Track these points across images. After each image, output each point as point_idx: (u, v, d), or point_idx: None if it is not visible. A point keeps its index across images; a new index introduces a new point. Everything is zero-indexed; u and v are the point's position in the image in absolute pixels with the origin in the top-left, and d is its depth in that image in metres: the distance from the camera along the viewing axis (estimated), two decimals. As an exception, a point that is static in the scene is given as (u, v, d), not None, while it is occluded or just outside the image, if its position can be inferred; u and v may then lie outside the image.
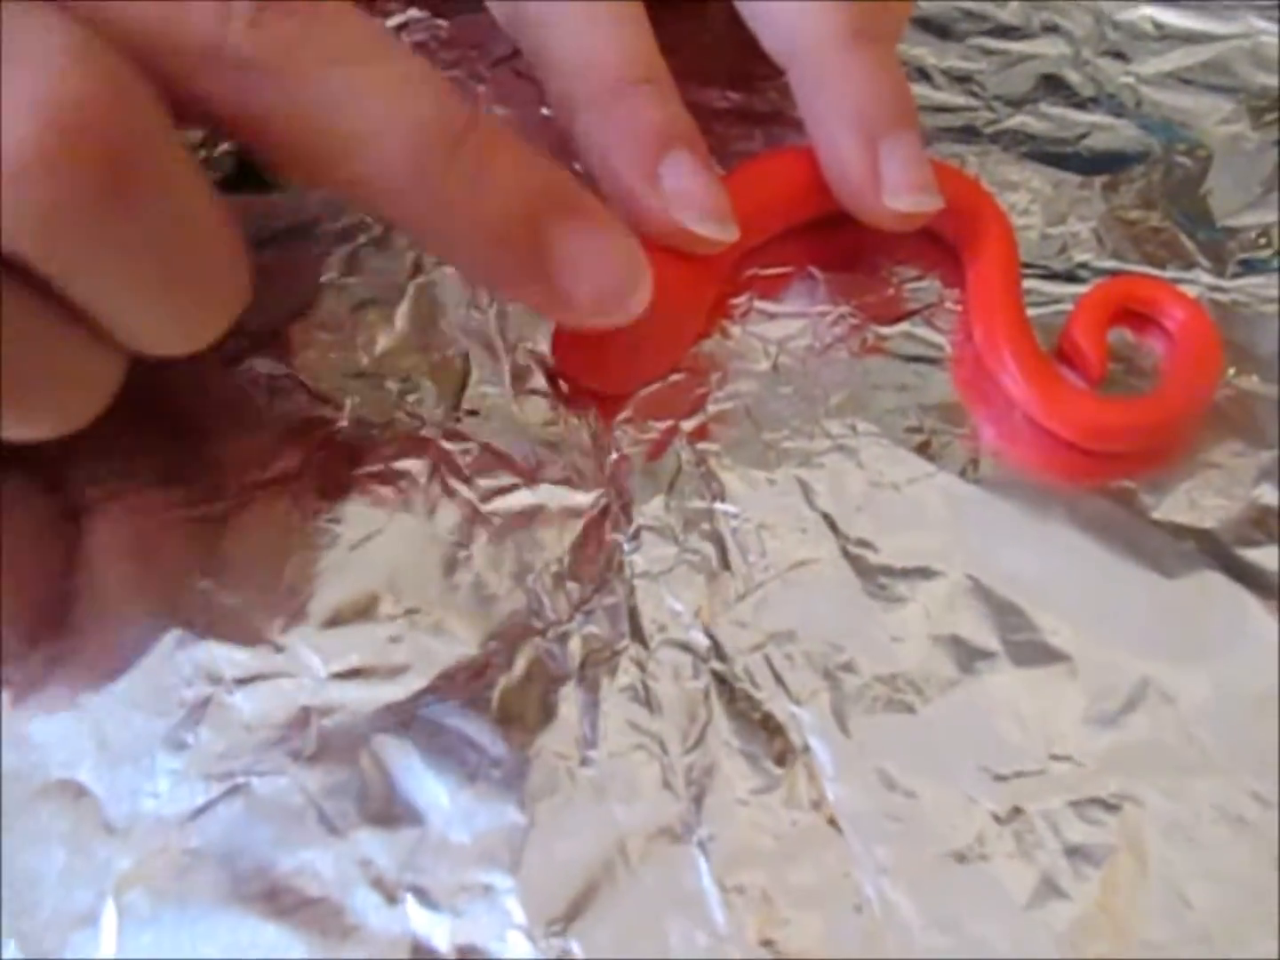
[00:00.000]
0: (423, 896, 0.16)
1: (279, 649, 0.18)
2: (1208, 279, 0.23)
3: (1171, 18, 0.29)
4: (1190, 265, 0.24)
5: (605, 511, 0.20)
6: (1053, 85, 0.27)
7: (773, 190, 0.23)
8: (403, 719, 0.18)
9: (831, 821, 0.17)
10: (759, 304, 0.23)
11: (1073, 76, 0.27)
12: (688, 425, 0.21)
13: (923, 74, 0.27)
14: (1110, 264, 0.24)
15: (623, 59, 0.21)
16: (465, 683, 0.18)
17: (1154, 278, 0.23)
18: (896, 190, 0.21)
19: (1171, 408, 0.21)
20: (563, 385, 0.21)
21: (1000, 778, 0.18)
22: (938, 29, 0.28)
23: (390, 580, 0.19)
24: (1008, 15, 0.28)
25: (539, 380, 0.22)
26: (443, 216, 0.18)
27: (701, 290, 0.22)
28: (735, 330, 0.23)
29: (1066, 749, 0.18)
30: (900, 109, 0.22)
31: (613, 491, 0.20)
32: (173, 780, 0.17)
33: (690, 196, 0.20)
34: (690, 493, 0.20)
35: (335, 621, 0.19)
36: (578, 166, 0.22)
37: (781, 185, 0.23)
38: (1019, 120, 0.26)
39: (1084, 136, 0.26)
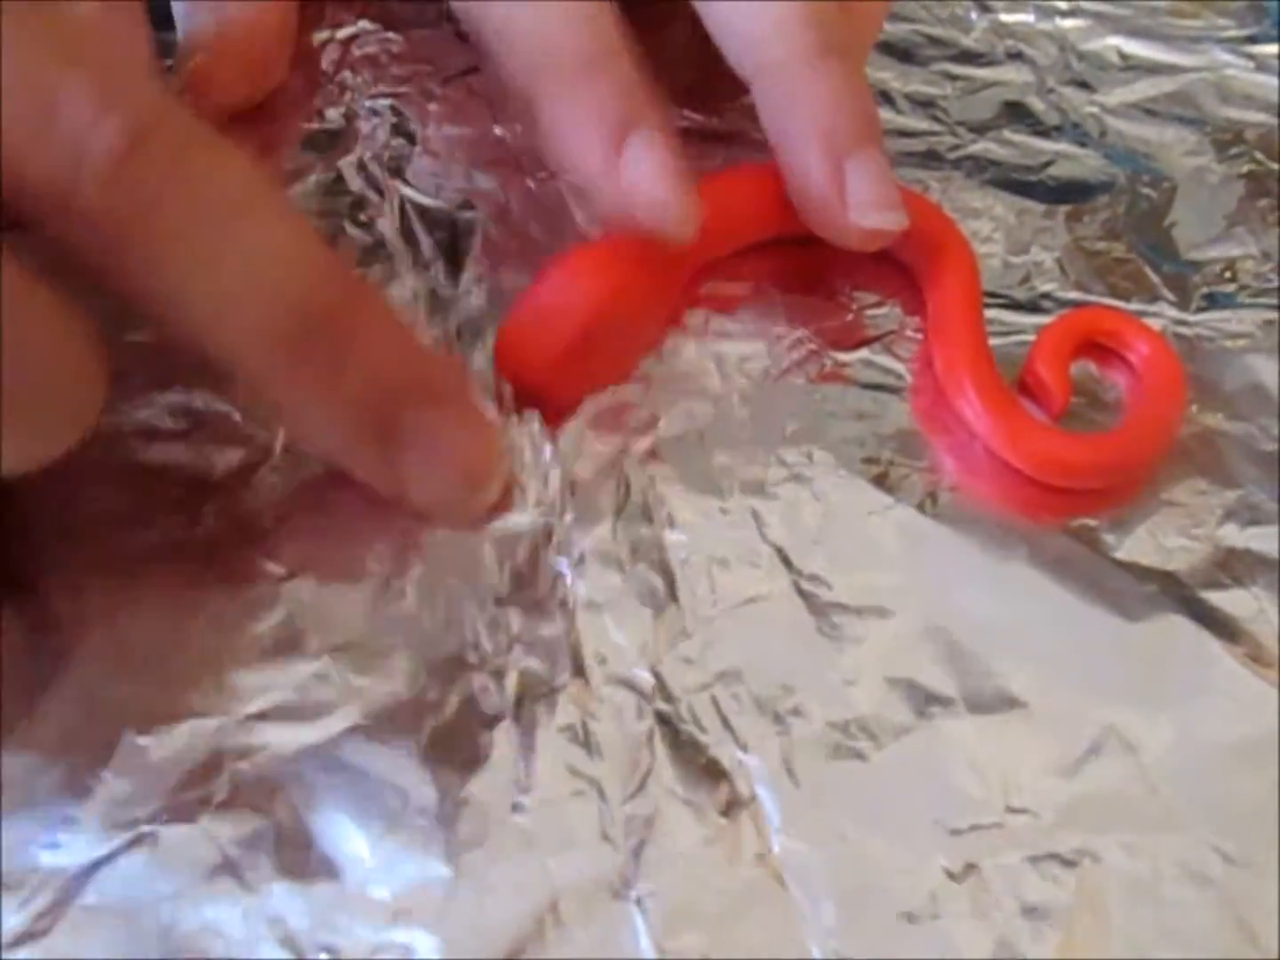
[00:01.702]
0: (336, 956, 0.15)
1: (194, 687, 0.17)
2: (1172, 313, 0.23)
3: (1137, 49, 0.28)
4: (1154, 298, 0.23)
5: (548, 537, 0.19)
6: (1017, 113, 0.27)
7: (733, 205, 0.22)
8: (324, 763, 0.17)
9: (777, 877, 0.16)
10: (715, 321, 0.22)
11: (1037, 104, 0.27)
12: (637, 447, 0.20)
13: (886, 98, 0.26)
14: (1074, 295, 0.23)
15: (586, 34, 0.20)
16: (392, 723, 0.17)
17: (1118, 310, 0.23)
18: (863, 208, 0.21)
19: (1135, 444, 0.20)
20: (506, 400, 0.20)
21: (955, 831, 0.17)
22: (901, 53, 0.27)
23: (316, 613, 0.18)
24: (972, 41, 0.28)
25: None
26: (295, 397, 0.17)
27: (658, 299, 0.22)
28: (690, 347, 0.22)
29: (1024, 801, 0.17)
30: (866, 126, 0.21)
31: (555, 515, 0.19)
32: (72, 830, 0.16)
33: (649, 185, 0.20)
34: (639, 519, 0.19)
35: (256, 658, 0.18)
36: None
37: (742, 201, 0.23)
38: (982, 146, 0.26)
39: (1048, 165, 0.26)
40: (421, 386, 0.18)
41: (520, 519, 0.19)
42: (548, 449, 0.20)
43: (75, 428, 0.16)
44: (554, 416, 0.20)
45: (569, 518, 0.19)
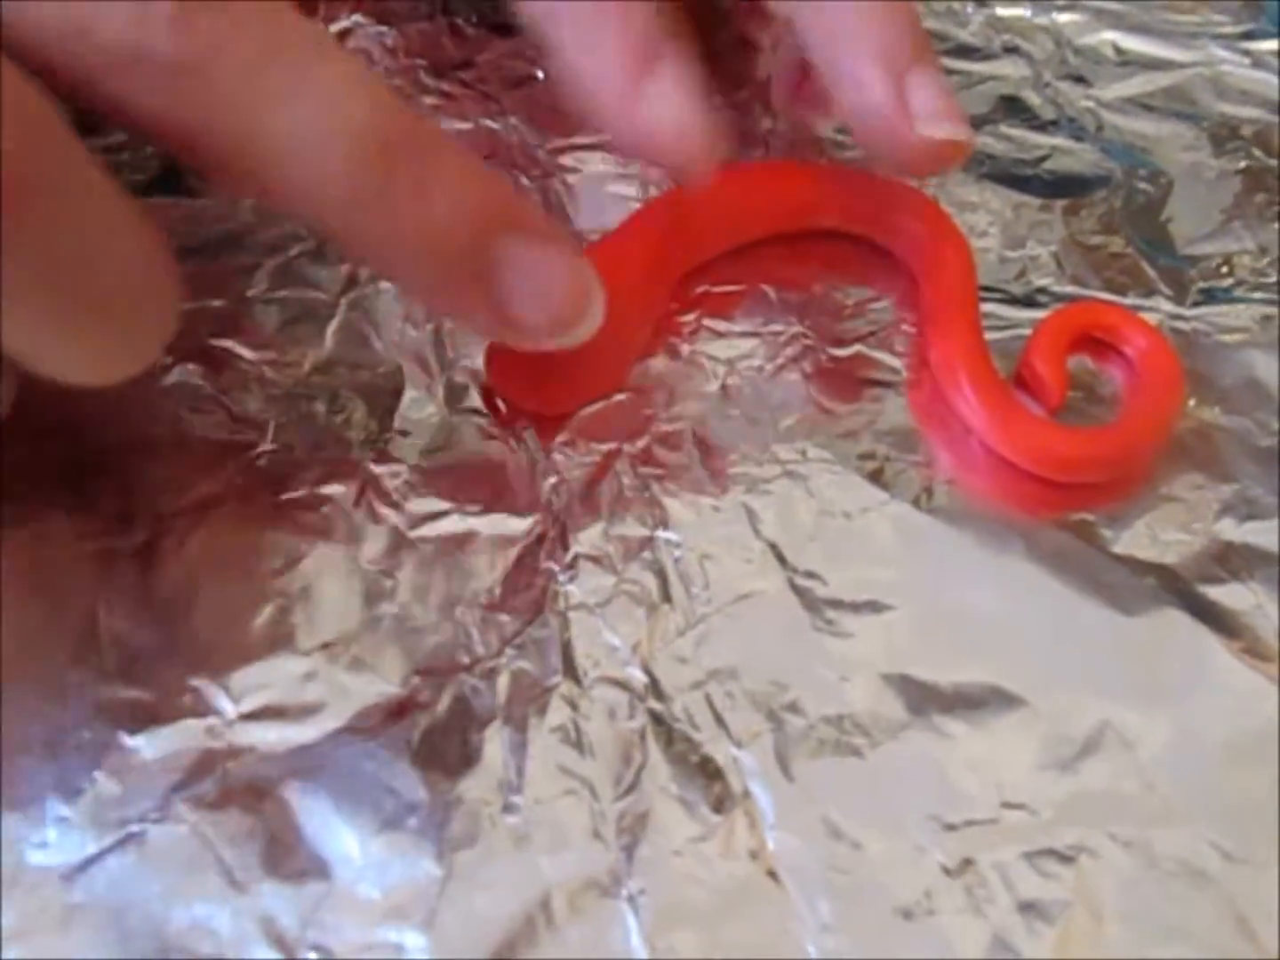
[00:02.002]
0: (327, 956, 0.15)
1: (186, 687, 0.17)
2: (1168, 307, 0.23)
3: (1133, 44, 0.28)
4: (1151, 293, 0.23)
5: (541, 539, 0.19)
6: (1013, 107, 0.26)
7: (726, 204, 0.22)
8: (315, 762, 0.17)
9: (771, 873, 0.16)
10: (708, 322, 0.22)
11: (1033, 99, 0.27)
12: (631, 448, 0.20)
13: (881, 93, 0.26)
14: (1070, 289, 0.23)
15: None
16: (384, 723, 0.17)
17: (1115, 304, 0.23)
18: (929, 120, 0.20)
19: (1132, 438, 0.20)
20: (500, 405, 0.20)
21: (950, 827, 0.17)
22: (897, 48, 0.27)
23: (307, 612, 0.18)
24: (968, 36, 0.28)
25: (475, 400, 0.20)
26: (382, 231, 0.17)
27: (648, 305, 0.21)
28: (683, 349, 0.22)
29: (1020, 797, 0.17)
30: (922, 40, 0.21)
31: (549, 518, 0.19)
32: (62, 829, 0.16)
33: (673, 116, 0.19)
34: (631, 520, 0.19)
35: (247, 657, 0.17)
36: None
37: (735, 200, 0.22)
38: (978, 140, 0.25)
39: (1044, 159, 0.25)
40: (510, 210, 0.18)
41: (513, 522, 0.19)
42: (540, 452, 0.20)
43: (158, 337, 0.16)
44: (547, 423, 0.20)
45: (561, 520, 0.19)
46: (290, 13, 0.16)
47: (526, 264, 0.18)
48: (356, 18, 0.27)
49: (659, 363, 0.21)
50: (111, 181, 0.15)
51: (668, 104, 0.19)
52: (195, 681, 0.17)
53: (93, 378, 0.16)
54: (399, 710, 0.17)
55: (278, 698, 0.17)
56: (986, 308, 0.22)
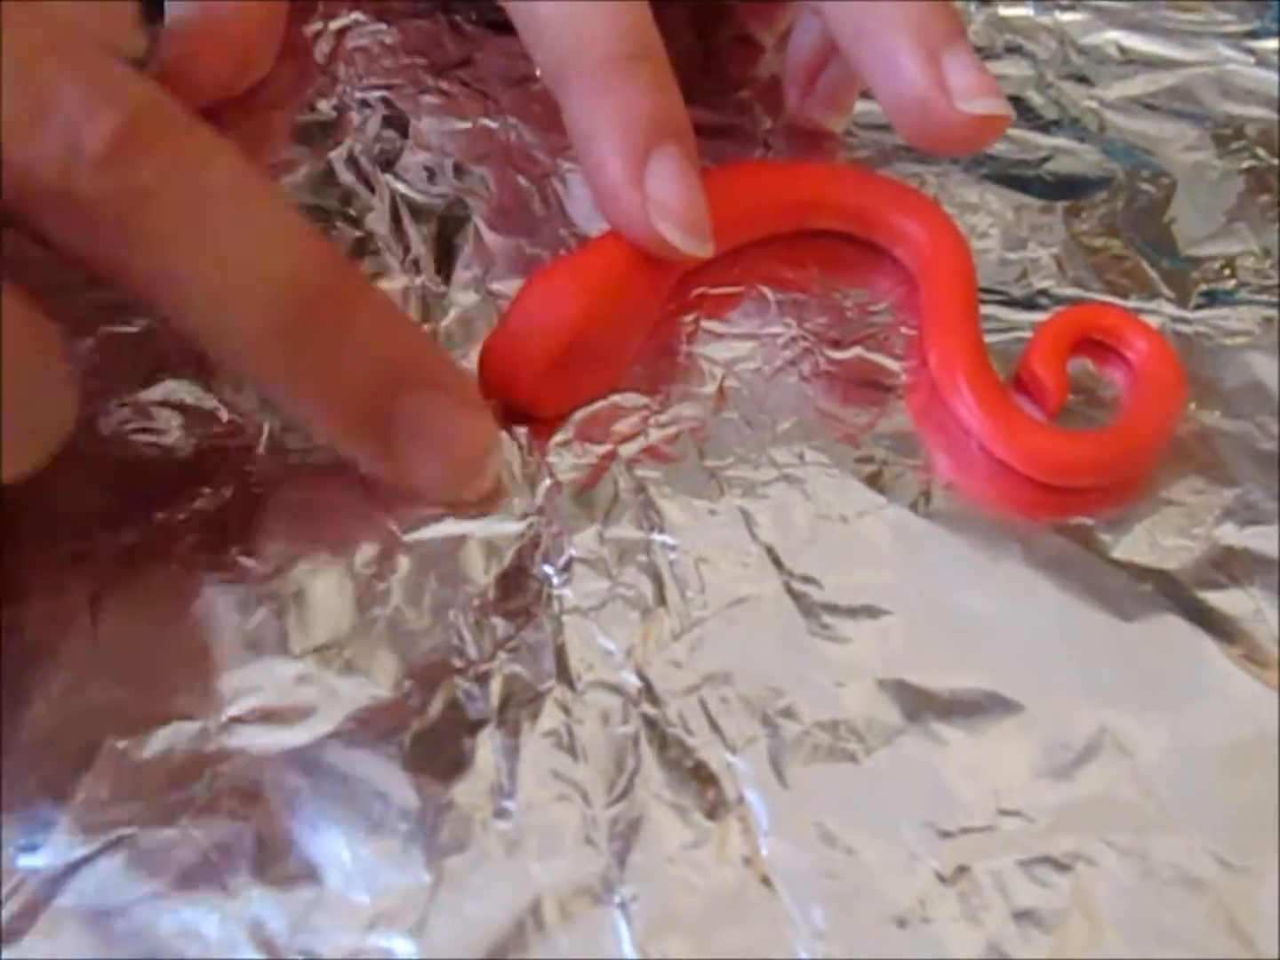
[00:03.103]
0: (316, 961, 0.15)
1: (175, 688, 0.17)
2: (1170, 309, 0.23)
3: (1136, 43, 0.28)
4: (1153, 295, 0.23)
5: (535, 542, 0.19)
6: (1015, 107, 0.26)
7: (725, 205, 0.22)
8: (305, 766, 0.16)
9: (765, 880, 0.16)
10: (706, 323, 0.22)
11: (1036, 99, 0.27)
12: (627, 450, 0.20)
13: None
14: (1071, 291, 0.23)
15: (617, 32, 0.20)
16: (375, 726, 0.17)
17: (1116, 307, 0.22)
18: (968, 94, 0.20)
19: (1131, 442, 0.20)
20: (495, 413, 0.20)
21: (946, 834, 0.16)
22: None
23: (300, 615, 0.18)
24: (971, 35, 0.28)
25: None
26: (292, 381, 0.17)
27: (645, 306, 0.21)
28: (681, 350, 0.22)
29: (1016, 804, 0.17)
30: (953, 20, 0.21)
31: (544, 520, 0.19)
32: (51, 832, 0.16)
33: (672, 205, 0.20)
34: (627, 523, 0.19)
35: (239, 660, 0.17)
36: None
37: (734, 200, 0.22)
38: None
39: (1046, 160, 0.25)
40: (418, 370, 0.18)
41: (507, 525, 0.19)
42: (536, 456, 0.20)
43: (53, 438, 0.16)
44: (542, 425, 0.20)
45: (556, 523, 0.19)
46: (226, 154, 0.16)
47: (425, 422, 0.18)
48: (355, 15, 0.27)
49: (656, 365, 0.21)
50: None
51: (669, 193, 0.20)
52: (186, 684, 0.17)
53: None
54: (391, 714, 0.17)
55: (269, 701, 0.17)
56: (987, 310, 0.22)
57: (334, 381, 0.17)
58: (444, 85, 0.26)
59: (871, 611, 0.18)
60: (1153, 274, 0.23)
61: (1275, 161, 0.25)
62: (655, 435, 0.20)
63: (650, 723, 0.17)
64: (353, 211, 0.23)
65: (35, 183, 0.15)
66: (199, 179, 0.16)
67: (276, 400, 0.19)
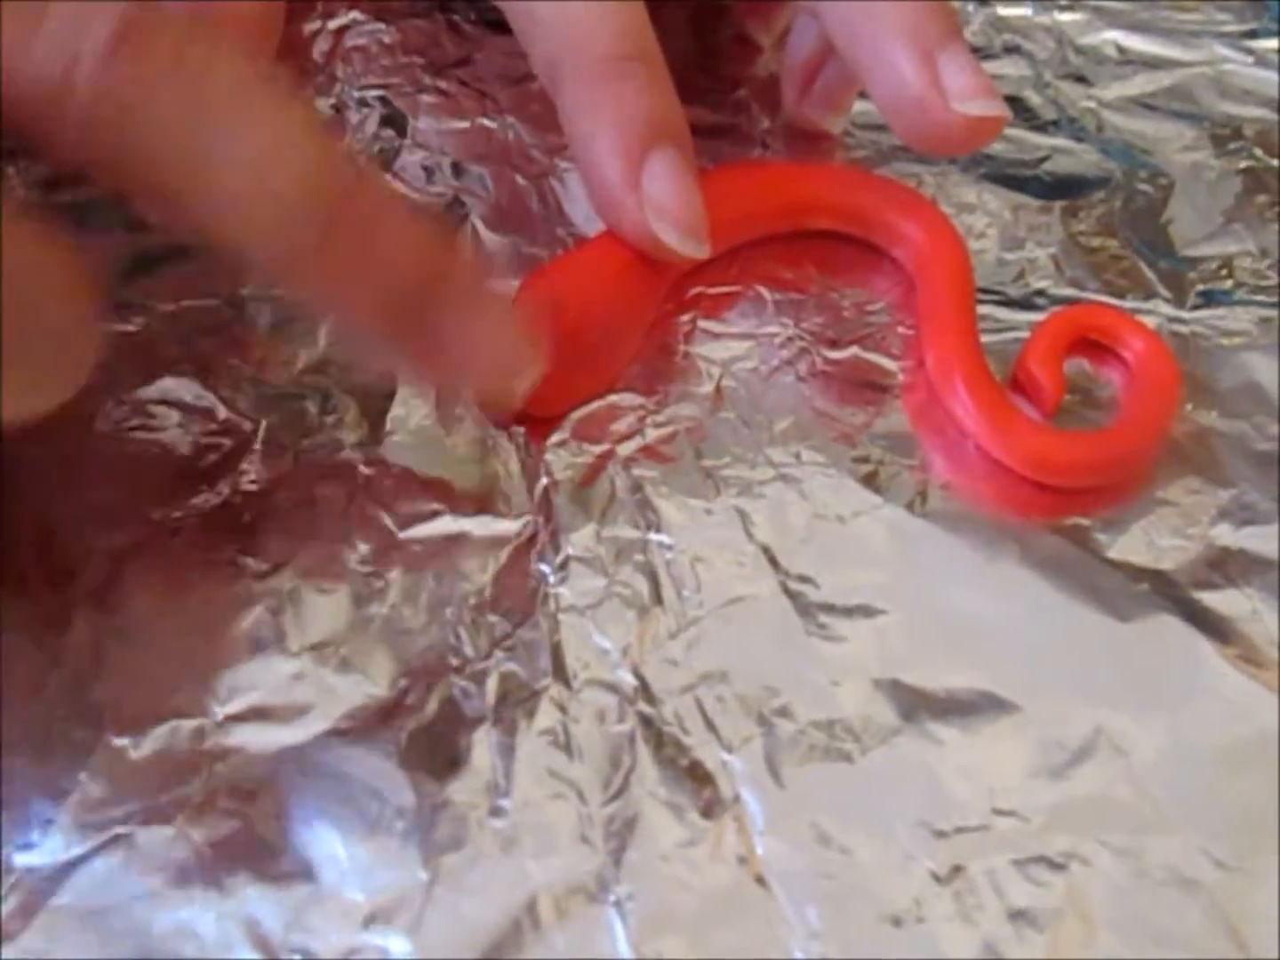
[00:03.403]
0: (310, 959, 0.15)
1: (173, 688, 0.17)
2: (1167, 310, 0.23)
3: (1135, 43, 0.28)
4: (1150, 295, 0.23)
5: (532, 540, 0.19)
6: (1013, 107, 0.26)
7: (723, 205, 0.22)
8: (302, 764, 0.16)
9: (760, 879, 0.16)
10: (703, 323, 0.22)
11: (1034, 99, 0.27)
12: (624, 450, 0.20)
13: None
14: (1068, 292, 0.23)
15: (613, 32, 0.20)
16: (371, 725, 0.17)
17: (1113, 307, 0.22)
18: (964, 95, 0.20)
19: (1128, 442, 0.20)
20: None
21: (941, 834, 0.16)
22: (897, 47, 0.27)
23: (296, 613, 0.18)
24: (969, 35, 0.28)
25: (467, 400, 0.20)
26: (323, 289, 0.17)
27: (642, 305, 0.21)
28: (678, 350, 0.22)
29: (1011, 803, 0.17)
30: (950, 21, 0.21)
31: (541, 519, 0.19)
32: (47, 830, 0.16)
33: (669, 206, 0.20)
34: (624, 522, 0.19)
35: (235, 658, 0.17)
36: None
37: (731, 200, 0.22)
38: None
39: (1044, 160, 0.25)
40: (449, 266, 0.18)
41: (504, 524, 0.19)
42: (533, 455, 0.20)
43: (72, 380, 0.16)
44: (540, 424, 0.20)
45: (553, 522, 0.19)
46: (231, 57, 0.16)
47: (469, 319, 0.18)
48: (354, 14, 0.27)
49: (654, 365, 0.21)
50: (26, 219, 0.15)
51: (666, 196, 0.20)
52: (183, 682, 0.17)
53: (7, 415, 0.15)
54: (387, 712, 0.17)
55: (265, 699, 0.17)
56: (984, 310, 0.22)
57: (369, 276, 0.17)
58: (442, 84, 0.26)
59: (867, 611, 0.18)
60: (1150, 274, 0.23)
61: (1273, 162, 0.25)
62: (652, 435, 0.20)
63: (646, 721, 0.17)
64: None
65: (37, 91, 0.15)
66: (199, 83, 0.15)
67: (314, 306, 0.18)
